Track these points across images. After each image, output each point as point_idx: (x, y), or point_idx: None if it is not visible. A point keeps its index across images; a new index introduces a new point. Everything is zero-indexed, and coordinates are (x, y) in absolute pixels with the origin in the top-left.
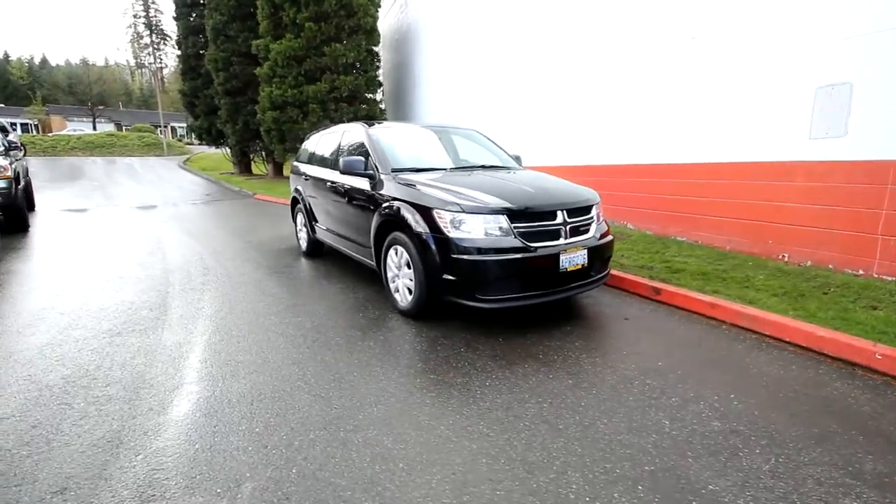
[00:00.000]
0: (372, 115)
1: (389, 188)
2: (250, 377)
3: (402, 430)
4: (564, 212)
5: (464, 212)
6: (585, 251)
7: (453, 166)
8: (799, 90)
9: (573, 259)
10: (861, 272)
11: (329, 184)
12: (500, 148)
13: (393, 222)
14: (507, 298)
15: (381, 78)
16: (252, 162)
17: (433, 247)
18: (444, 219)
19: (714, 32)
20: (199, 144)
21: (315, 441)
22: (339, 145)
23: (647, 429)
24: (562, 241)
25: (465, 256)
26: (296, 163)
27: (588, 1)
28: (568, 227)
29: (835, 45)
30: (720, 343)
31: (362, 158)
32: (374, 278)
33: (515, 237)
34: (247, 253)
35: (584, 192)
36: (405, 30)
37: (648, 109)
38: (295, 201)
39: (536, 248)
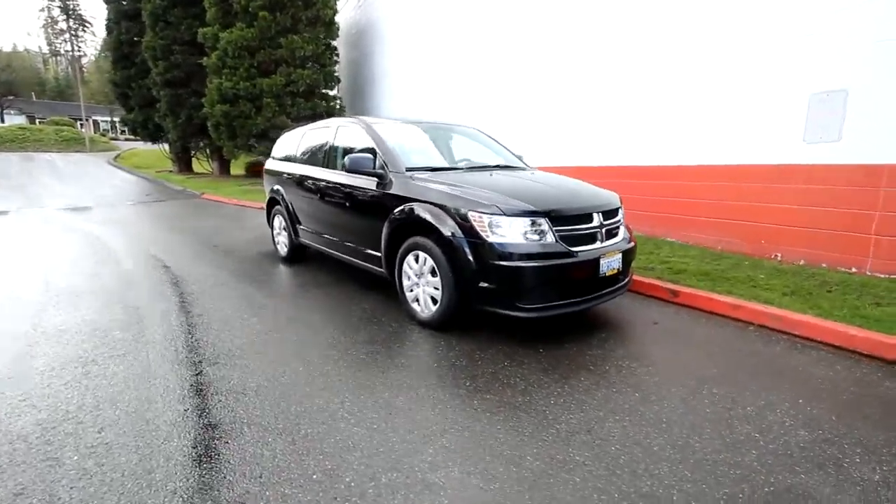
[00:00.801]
0: (330, 112)
1: (405, 189)
2: (279, 410)
3: (486, 464)
4: (600, 214)
5: (504, 214)
6: (620, 255)
7: (468, 166)
8: (793, 96)
9: (610, 263)
10: (854, 270)
11: (322, 183)
12: (504, 147)
13: (411, 226)
14: (549, 307)
15: (338, 73)
16: (195, 159)
17: (468, 252)
18: (481, 222)
19: (707, 37)
20: (128, 139)
21: (393, 486)
22: (334, 142)
23: (742, 444)
24: (598, 244)
25: (506, 263)
26: (272, 161)
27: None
28: (604, 230)
29: (831, 53)
30: (758, 346)
31: (370, 156)
32: (375, 285)
33: (557, 241)
34: (215, 259)
35: (610, 194)
36: (363, 24)
37: (640, 111)
38: (272, 203)
39: (577, 252)
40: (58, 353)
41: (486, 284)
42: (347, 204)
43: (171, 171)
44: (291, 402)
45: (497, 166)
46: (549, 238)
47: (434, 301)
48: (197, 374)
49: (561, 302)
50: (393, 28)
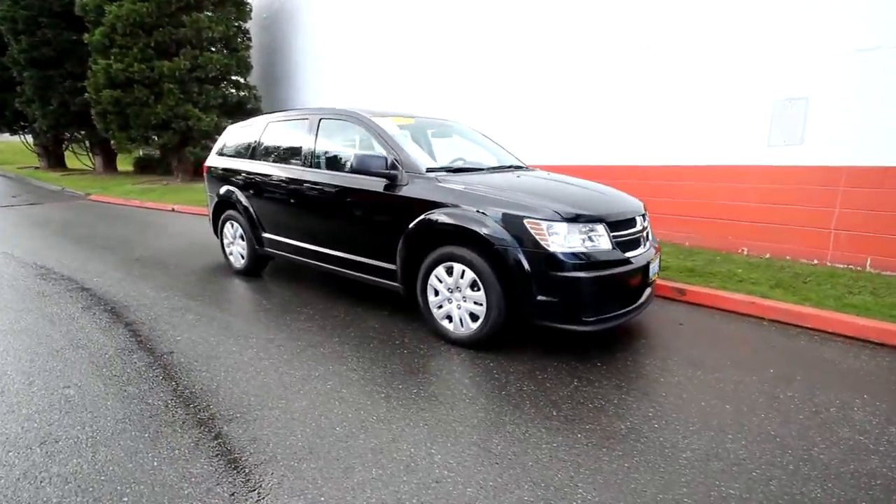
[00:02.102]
0: (243, 102)
1: (429, 192)
2: (363, 478)
3: None
4: (641, 217)
5: (563, 220)
6: (659, 258)
7: (488, 165)
8: (759, 102)
9: (654, 268)
10: (816, 261)
11: (302, 186)
12: (499, 145)
13: (441, 235)
14: (611, 317)
15: (250, 59)
16: (70, 153)
17: (524, 263)
18: (539, 229)
19: (674, 44)
20: None
21: None
22: (316, 137)
23: (857, 451)
24: (642, 249)
25: (571, 273)
26: (219, 158)
27: None
28: (645, 234)
29: (793, 64)
30: (784, 340)
31: (382, 155)
32: (367, 298)
33: (614, 248)
34: (150, 276)
35: (634, 198)
36: (277, 8)
37: (610, 113)
38: (222, 207)
39: (631, 258)
40: None
41: (545, 298)
42: (342, 210)
43: (37, 168)
44: (367, 464)
45: (511, 167)
46: (607, 244)
47: (474, 318)
48: (216, 439)
49: (620, 311)
50: (316, 11)
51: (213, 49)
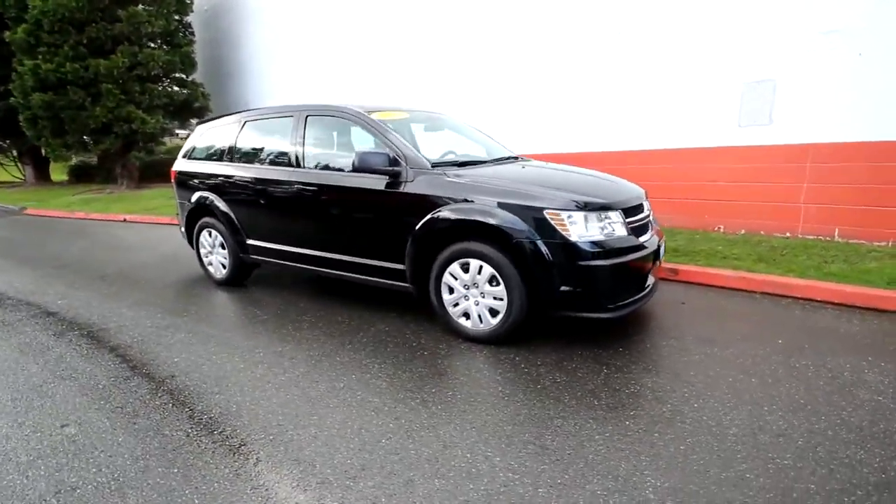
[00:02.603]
0: (190, 101)
1: (437, 187)
2: (427, 490)
3: None
4: (646, 203)
5: (581, 209)
6: (664, 242)
7: (490, 157)
8: (729, 85)
9: (662, 251)
10: (788, 234)
11: (292, 187)
12: (487, 135)
13: (454, 230)
14: (630, 303)
15: (195, 55)
16: None
17: (546, 255)
18: (559, 220)
19: (645, 29)
20: None
21: None
22: (303, 137)
23: (882, 412)
24: (649, 234)
25: (593, 262)
26: (189, 162)
27: None
28: (650, 219)
29: (760, 47)
30: (782, 312)
31: (384, 152)
32: (365, 297)
33: (629, 234)
34: (121, 294)
35: (634, 184)
36: (220, 2)
37: (587, 99)
38: (197, 214)
39: (644, 243)
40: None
41: (568, 288)
42: (340, 211)
43: None
44: (427, 475)
45: (509, 157)
46: (622, 231)
47: (493, 313)
48: (257, 465)
49: (638, 296)
50: (263, 3)
51: (154, 45)
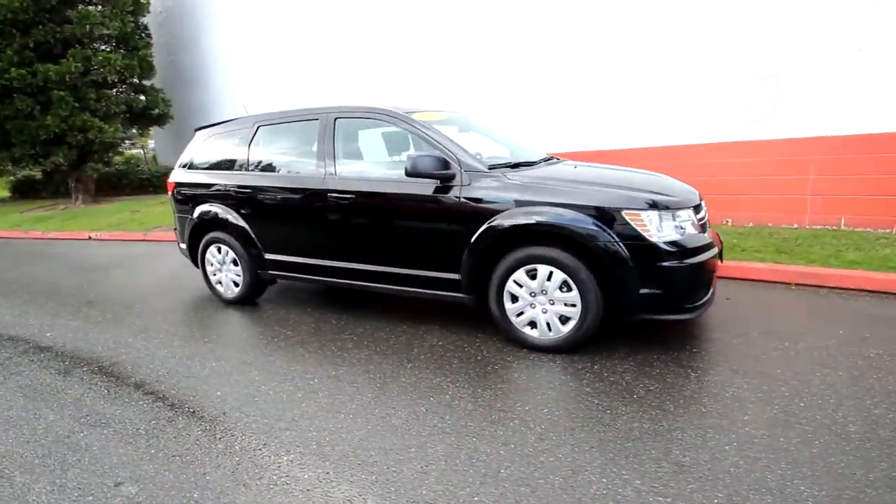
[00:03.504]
0: (150, 107)
1: (498, 191)
2: None
3: None
4: (703, 202)
5: (659, 209)
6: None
7: (538, 158)
8: (736, 82)
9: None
10: (796, 225)
11: (328, 197)
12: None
13: (520, 235)
14: (704, 303)
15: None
16: None
17: (626, 258)
18: (639, 220)
19: (655, 31)
20: None
21: None
22: (333, 141)
23: None
24: (707, 233)
25: (675, 262)
26: (192, 173)
27: None
28: (707, 219)
29: (763, 45)
30: (826, 302)
31: (437, 155)
32: (406, 311)
33: (699, 232)
34: (119, 322)
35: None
36: (176, 4)
37: (590, 99)
38: (204, 229)
39: (712, 242)
40: None
41: (649, 290)
42: (384, 220)
43: None
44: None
45: (549, 158)
46: (692, 230)
47: (563, 320)
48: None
49: (709, 295)
50: (224, 6)
51: (108, 48)
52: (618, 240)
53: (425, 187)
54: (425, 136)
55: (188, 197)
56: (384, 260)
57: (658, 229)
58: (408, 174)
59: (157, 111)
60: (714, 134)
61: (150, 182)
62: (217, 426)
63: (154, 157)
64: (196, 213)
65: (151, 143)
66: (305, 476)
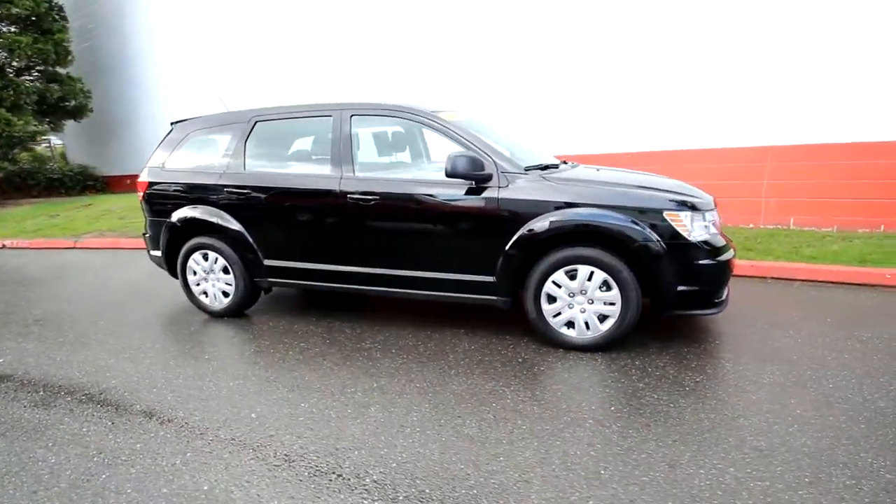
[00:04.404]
0: (66, 98)
1: (538, 191)
2: None
3: None
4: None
5: (694, 210)
6: None
7: (557, 161)
8: (702, 96)
9: None
10: (752, 225)
11: (347, 198)
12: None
13: (561, 237)
14: (726, 298)
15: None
16: None
17: (669, 256)
18: (679, 221)
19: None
20: None
21: None
22: (350, 139)
23: None
24: None
25: (710, 261)
26: (167, 172)
27: None
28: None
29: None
30: (804, 293)
31: (474, 155)
32: (422, 315)
33: (719, 233)
34: (87, 342)
35: None
36: None
37: (557, 103)
38: (186, 234)
39: (728, 242)
40: None
41: (686, 287)
42: (412, 222)
43: None
44: (690, 502)
45: (566, 163)
46: (715, 230)
47: (601, 319)
48: None
49: (728, 292)
50: None
51: (16, 29)
52: (660, 240)
53: (460, 188)
54: (457, 137)
55: (165, 199)
56: (412, 264)
57: (693, 229)
58: (448, 175)
59: (73, 103)
60: (674, 142)
61: (61, 182)
62: (269, 452)
63: (63, 155)
64: (176, 217)
65: (55, 139)
66: (400, 496)
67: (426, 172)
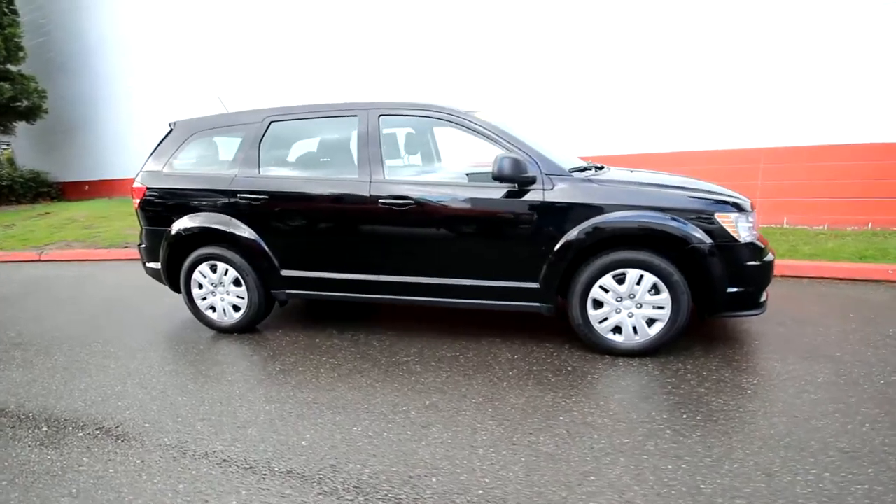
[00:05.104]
0: (18, 98)
1: (586, 194)
2: None
3: None
4: None
5: (741, 211)
6: None
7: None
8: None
9: None
10: None
11: (379, 204)
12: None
13: (610, 240)
14: (767, 298)
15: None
16: None
17: (721, 259)
18: (730, 222)
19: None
20: None
21: None
22: (379, 141)
23: None
24: None
25: (757, 262)
26: (167, 178)
27: None
28: None
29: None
30: (815, 290)
31: (519, 157)
32: (448, 323)
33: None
34: (90, 364)
35: None
36: None
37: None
38: (192, 243)
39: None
40: None
41: (735, 289)
42: (452, 227)
43: None
44: None
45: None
46: (755, 231)
47: (650, 323)
48: None
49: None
50: None
51: None
52: (712, 242)
53: (501, 191)
54: (497, 138)
55: (166, 205)
56: (449, 271)
57: (742, 230)
58: (495, 178)
59: (26, 103)
60: (670, 145)
61: (11, 189)
62: (336, 484)
63: (10, 160)
64: (180, 226)
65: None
66: None
67: (462, 175)
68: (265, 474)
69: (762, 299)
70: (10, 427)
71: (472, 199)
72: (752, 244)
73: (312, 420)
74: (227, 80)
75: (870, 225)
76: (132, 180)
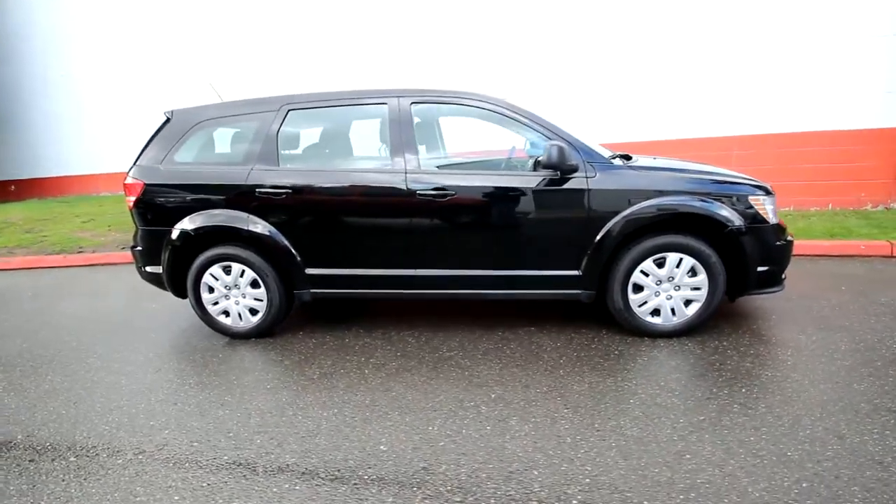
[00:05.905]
0: None
1: (629, 181)
2: None
3: None
4: None
5: (769, 194)
6: None
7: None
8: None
9: None
10: None
11: (417, 196)
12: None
13: (652, 226)
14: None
15: None
16: None
17: (754, 240)
18: (761, 205)
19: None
20: None
21: None
22: (413, 130)
23: None
24: None
25: (783, 242)
26: (172, 172)
27: None
28: None
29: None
30: (803, 267)
31: (565, 147)
32: (472, 315)
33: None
34: (122, 377)
35: None
36: None
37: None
38: (200, 244)
39: None
40: None
41: (764, 268)
42: (498, 216)
43: None
44: None
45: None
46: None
47: (687, 303)
48: None
49: None
50: None
51: None
52: (747, 224)
53: (541, 179)
54: (536, 126)
55: (169, 203)
56: (491, 263)
57: (770, 213)
58: (544, 166)
59: None
60: (649, 133)
61: None
62: (436, 488)
63: None
64: (188, 225)
65: None
66: None
67: (497, 164)
68: (356, 484)
69: (784, 276)
70: (28, 461)
71: (514, 189)
72: (778, 225)
73: (381, 423)
74: (186, 67)
75: (830, 206)
76: (70, 178)
